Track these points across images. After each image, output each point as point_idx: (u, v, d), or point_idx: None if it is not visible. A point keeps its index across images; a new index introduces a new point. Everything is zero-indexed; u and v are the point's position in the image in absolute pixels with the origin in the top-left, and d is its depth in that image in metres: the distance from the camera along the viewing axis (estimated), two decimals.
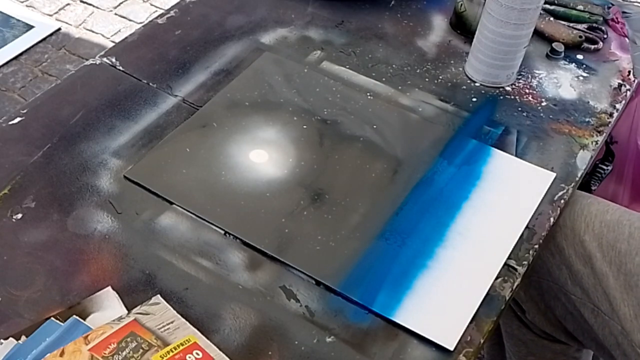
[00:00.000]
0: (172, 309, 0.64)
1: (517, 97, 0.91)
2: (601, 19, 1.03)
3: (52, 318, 0.63)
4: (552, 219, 0.77)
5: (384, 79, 0.92)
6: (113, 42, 2.07)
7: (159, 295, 0.66)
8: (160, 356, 0.58)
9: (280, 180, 0.78)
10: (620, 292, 0.77)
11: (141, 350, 0.58)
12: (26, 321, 0.64)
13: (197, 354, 0.59)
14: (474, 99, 0.90)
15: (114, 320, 0.61)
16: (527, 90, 0.92)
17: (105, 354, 0.58)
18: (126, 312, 0.63)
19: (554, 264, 0.84)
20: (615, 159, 1.06)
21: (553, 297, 0.88)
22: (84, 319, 0.63)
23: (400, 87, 0.91)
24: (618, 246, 0.78)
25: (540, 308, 0.92)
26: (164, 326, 0.62)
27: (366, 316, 0.67)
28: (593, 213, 0.82)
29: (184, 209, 0.74)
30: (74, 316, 0.63)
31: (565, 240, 0.82)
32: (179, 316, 0.64)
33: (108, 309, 0.64)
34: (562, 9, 1.02)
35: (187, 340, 0.60)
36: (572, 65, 0.97)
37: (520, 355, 1.03)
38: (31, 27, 2.10)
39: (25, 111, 0.84)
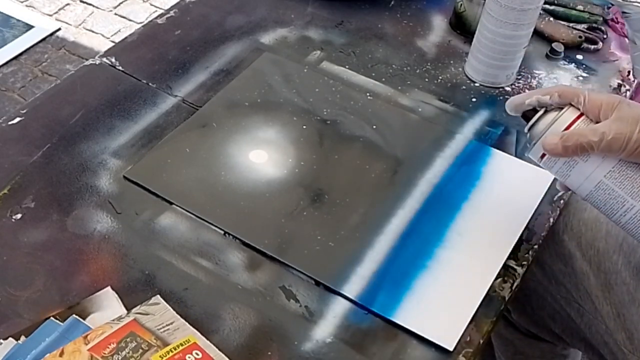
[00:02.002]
0: (171, 309, 0.64)
1: None
2: (601, 19, 1.03)
3: (52, 318, 0.63)
4: (551, 220, 0.77)
5: (383, 79, 0.92)
6: (113, 42, 2.07)
7: (158, 296, 0.66)
8: (160, 356, 0.58)
9: (279, 180, 0.78)
10: (601, 291, 0.77)
11: (141, 350, 0.59)
12: (26, 321, 0.64)
13: (197, 354, 0.59)
14: (474, 99, 0.90)
15: (113, 320, 0.61)
16: (526, 90, 0.92)
17: (104, 353, 0.58)
18: (126, 312, 0.63)
19: (537, 265, 0.84)
20: None
21: (539, 297, 0.87)
22: (84, 319, 0.63)
23: (400, 87, 0.91)
24: (596, 245, 0.78)
25: (527, 309, 0.91)
26: (163, 327, 0.62)
27: (366, 316, 0.67)
28: (571, 212, 0.81)
29: (184, 209, 0.74)
30: (74, 315, 0.63)
31: (545, 240, 0.82)
32: (179, 317, 0.64)
33: (107, 309, 0.64)
34: (561, 9, 1.03)
35: (186, 340, 0.60)
36: (572, 66, 0.97)
37: (508, 354, 1.03)
38: (31, 27, 2.10)
39: (25, 111, 0.84)
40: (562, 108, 0.66)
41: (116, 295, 0.66)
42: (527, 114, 0.69)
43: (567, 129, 0.64)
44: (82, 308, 0.64)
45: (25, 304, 0.65)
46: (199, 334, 0.62)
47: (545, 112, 0.67)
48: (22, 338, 0.61)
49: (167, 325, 0.62)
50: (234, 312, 0.66)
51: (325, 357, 0.63)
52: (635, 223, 0.63)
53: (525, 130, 0.69)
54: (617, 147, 0.61)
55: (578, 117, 0.65)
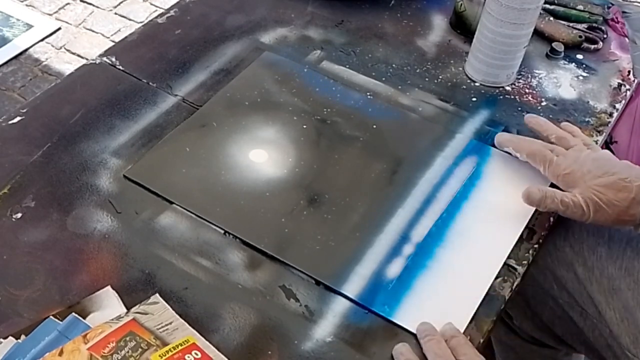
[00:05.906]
0: (170, 308, 0.64)
1: (517, 96, 0.91)
2: (601, 18, 1.03)
3: (52, 317, 0.63)
4: (551, 219, 0.77)
5: (383, 79, 0.92)
6: (113, 41, 2.07)
7: (157, 294, 0.66)
8: (159, 355, 0.58)
9: (279, 179, 0.78)
10: (604, 297, 0.76)
11: (140, 350, 0.58)
12: (25, 320, 0.64)
13: (196, 354, 0.59)
14: (474, 99, 0.90)
15: (112, 320, 0.61)
16: (527, 90, 0.92)
17: (104, 353, 0.58)
18: (125, 311, 0.63)
19: (537, 270, 0.83)
20: None
21: (539, 302, 0.86)
22: (84, 318, 0.63)
23: (400, 87, 0.91)
24: (599, 250, 0.78)
25: (527, 314, 0.91)
26: (162, 327, 0.62)
27: (366, 316, 0.67)
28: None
29: (184, 208, 0.74)
30: (73, 313, 0.63)
31: (546, 245, 0.82)
32: (178, 317, 0.63)
33: (107, 308, 0.64)
34: (562, 9, 1.02)
35: (185, 340, 0.60)
36: (572, 65, 0.97)
37: None
38: (31, 26, 2.10)
39: (25, 110, 0.84)
40: None
41: (116, 295, 0.66)
42: None
43: None
44: (82, 307, 0.64)
45: (25, 303, 0.65)
46: (197, 334, 0.62)
47: None
48: (22, 337, 0.61)
49: (166, 325, 0.62)
50: (234, 311, 0.66)
51: (325, 357, 0.63)
52: None
53: None
54: (577, 217, 0.71)
55: None
